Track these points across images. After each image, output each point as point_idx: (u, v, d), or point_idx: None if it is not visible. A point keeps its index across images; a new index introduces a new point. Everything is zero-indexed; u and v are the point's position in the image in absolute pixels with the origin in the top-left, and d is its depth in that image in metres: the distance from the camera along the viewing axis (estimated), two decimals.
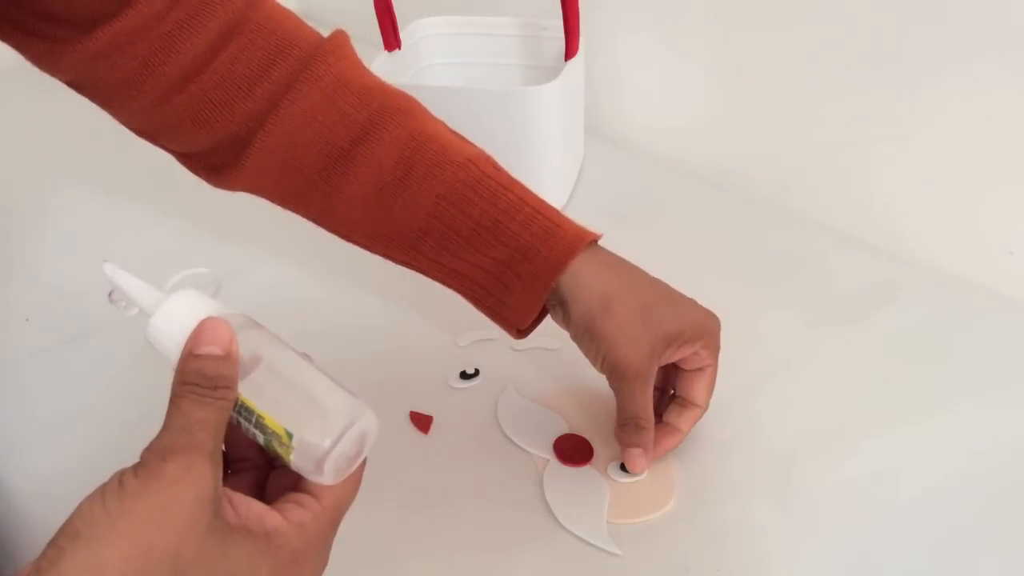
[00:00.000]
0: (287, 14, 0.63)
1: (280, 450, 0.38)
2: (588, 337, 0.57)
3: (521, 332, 0.61)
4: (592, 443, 0.62)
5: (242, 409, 0.39)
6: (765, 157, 0.92)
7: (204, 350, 0.38)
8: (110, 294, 0.42)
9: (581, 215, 0.90)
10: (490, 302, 0.60)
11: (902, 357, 0.70)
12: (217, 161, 0.61)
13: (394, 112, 0.60)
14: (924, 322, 0.73)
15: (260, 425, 0.39)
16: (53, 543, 0.35)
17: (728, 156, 0.95)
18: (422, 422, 0.65)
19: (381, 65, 0.88)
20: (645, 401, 0.57)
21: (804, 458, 0.61)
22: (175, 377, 0.38)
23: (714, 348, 0.59)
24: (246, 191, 0.63)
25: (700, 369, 0.59)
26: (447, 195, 0.59)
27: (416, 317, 0.73)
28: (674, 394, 0.61)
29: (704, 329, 0.58)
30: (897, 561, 0.54)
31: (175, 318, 0.39)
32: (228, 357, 0.38)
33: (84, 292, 0.79)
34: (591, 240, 0.59)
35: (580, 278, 0.57)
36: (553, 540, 0.56)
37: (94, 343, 0.74)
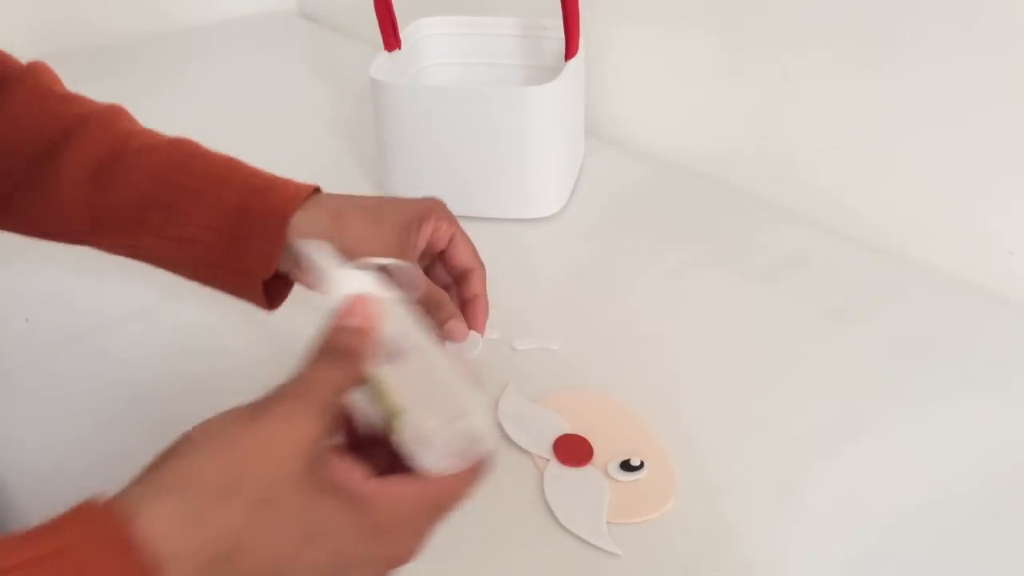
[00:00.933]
0: None
1: (394, 426, 0.40)
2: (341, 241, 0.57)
3: (271, 299, 0.61)
4: (592, 443, 0.62)
5: (370, 385, 0.41)
6: (765, 157, 0.92)
7: (347, 322, 0.41)
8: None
9: (581, 215, 0.91)
10: (228, 261, 0.59)
11: (902, 357, 0.70)
12: None
13: (102, 112, 0.61)
14: (924, 322, 0.73)
15: (380, 400, 0.41)
16: (173, 443, 0.39)
17: (728, 156, 0.95)
18: None
19: (381, 65, 0.88)
20: (431, 282, 0.59)
21: (804, 458, 0.61)
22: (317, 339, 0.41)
23: (449, 218, 0.61)
24: None
25: (451, 240, 0.61)
26: (166, 162, 0.59)
27: None
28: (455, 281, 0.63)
29: (429, 208, 0.60)
30: (897, 561, 0.54)
31: (345, 294, 0.43)
32: (365, 332, 0.41)
33: (84, 292, 0.79)
34: (316, 188, 0.60)
35: (308, 215, 0.58)
36: (553, 540, 0.56)
37: (94, 343, 0.74)
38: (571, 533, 0.56)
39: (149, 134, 0.62)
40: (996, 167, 0.75)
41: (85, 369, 0.72)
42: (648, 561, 0.55)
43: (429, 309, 0.58)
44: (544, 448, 0.62)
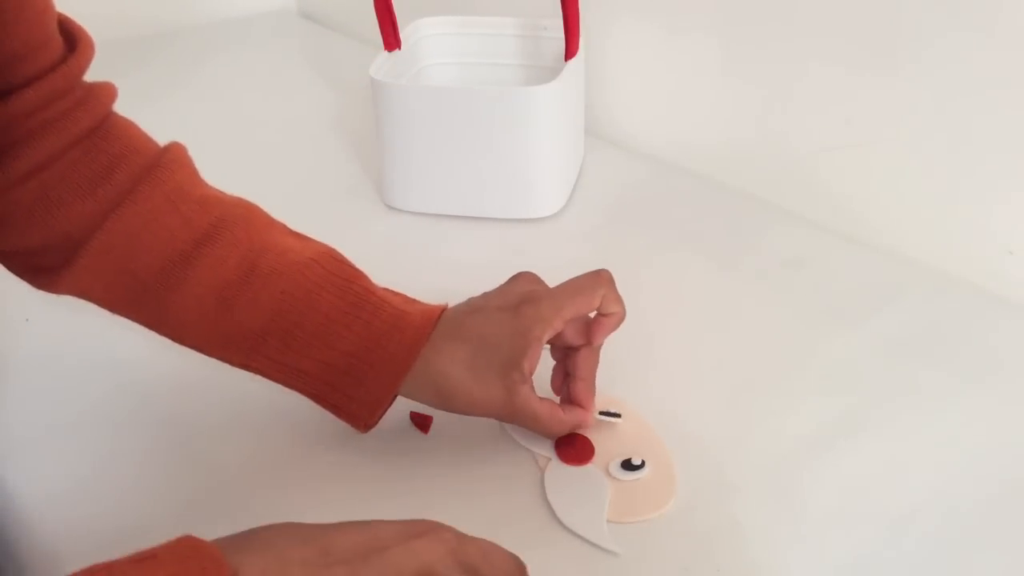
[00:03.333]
0: (132, 123, 0.62)
1: None
2: (455, 410, 0.60)
3: (369, 426, 0.61)
4: (593, 442, 0.62)
5: None
6: (765, 157, 0.92)
7: None
8: None
9: (581, 215, 0.91)
10: (337, 399, 0.60)
11: (902, 357, 0.70)
12: (45, 262, 0.59)
13: (235, 219, 0.60)
14: (924, 322, 0.73)
15: None
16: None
17: (728, 156, 0.95)
18: (422, 422, 0.65)
19: (381, 65, 0.88)
20: (541, 413, 0.60)
21: (804, 458, 0.61)
22: None
23: (542, 324, 0.59)
24: (72, 294, 0.61)
25: (560, 335, 0.61)
26: (292, 292, 0.59)
27: None
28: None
29: (523, 332, 0.59)
30: (897, 561, 0.54)
31: None
32: None
33: None
34: (439, 314, 0.60)
35: (415, 385, 0.59)
36: (554, 539, 0.56)
37: (95, 344, 0.74)
38: (571, 532, 0.56)
39: (280, 252, 0.60)
40: (996, 167, 0.75)
41: (85, 369, 0.72)
42: (648, 561, 0.55)
43: (545, 433, 0.62)
44: (545, 447, 0.62)
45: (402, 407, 0.66)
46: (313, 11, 1.49)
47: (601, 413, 0.63)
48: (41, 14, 0.53)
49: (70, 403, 0.69)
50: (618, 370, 0.69)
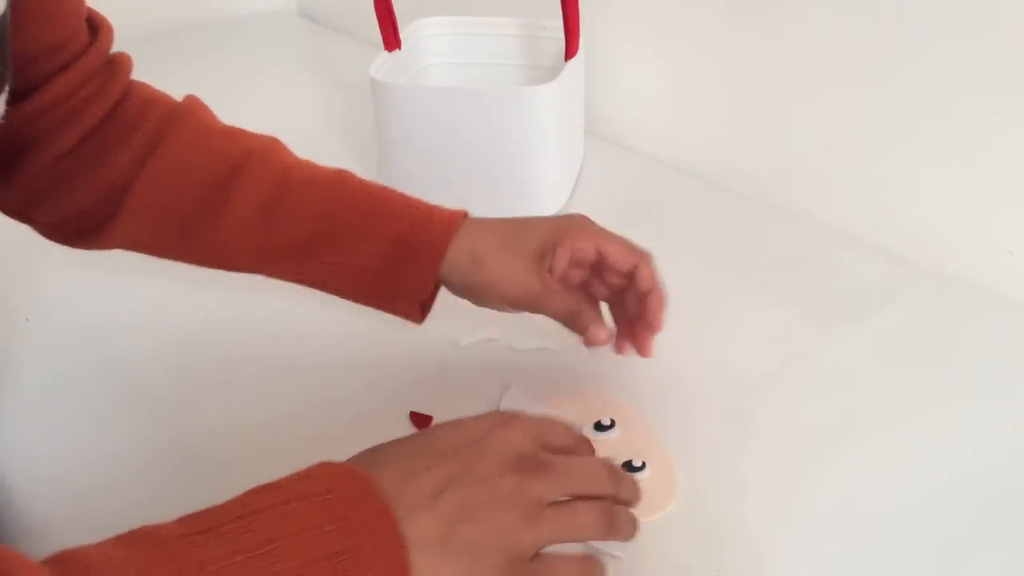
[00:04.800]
0: (146, 84, 0.69)
1: None
2: (481, 293, 0.63)
3: (423, 310, 0.65)
4: (594, 444, 0.62)
5: None
6: (765, 157, 0.92)
7: None
8: None
9: None
10: (387, 287, 0.63)
11: (902, 357, 0.70)
12: (93, 220, 0.64)
13: (262, 146, 0.66)
14: (924, 322, 0.73)
15: None
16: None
17: (728, 156, 0.95)
18: (422, 422, 0.65)
19: (381, 65, 0.88)
20: (561, 299, 0.62)
21: (804, 458, 0.61)
22: None
23: (588, 233, 0.63)
24: (120, 246, 0.66)
25: (599, 253, 0.63)
26: (330, 194, 0.64)
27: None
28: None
29: (565, 230, 0.63)
30: (897, 561, 0.54)
31: None
32: None
33: (84, 292, 0.79)
34: (464, 215, 0.64)
35: (451, 254, 0.62)
36: None
37: (95, 344, 0.74)
38: None
39: (309, 167, 0.66)
40: (996, 167, 0.75)
41: (85, 369, 0.72)
42: (649, 561, 0.55)
43: (568, 321, 0.63)
44: None
45: (402, 407, 0.66)
46: (313, 11, 1.48)
47: (595, 427, 0.63)
48: (77, 7, 0.61)
49: (70, 403, 0.69)
50: (618, 370, 0.69)
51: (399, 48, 0.91)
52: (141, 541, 0.38)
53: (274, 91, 1.22)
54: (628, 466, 0.60)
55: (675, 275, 0.81)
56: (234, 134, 0.67)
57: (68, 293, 0.79)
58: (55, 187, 0.62)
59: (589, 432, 0.63)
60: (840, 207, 0.86)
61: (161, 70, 1.29)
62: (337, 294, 0.65)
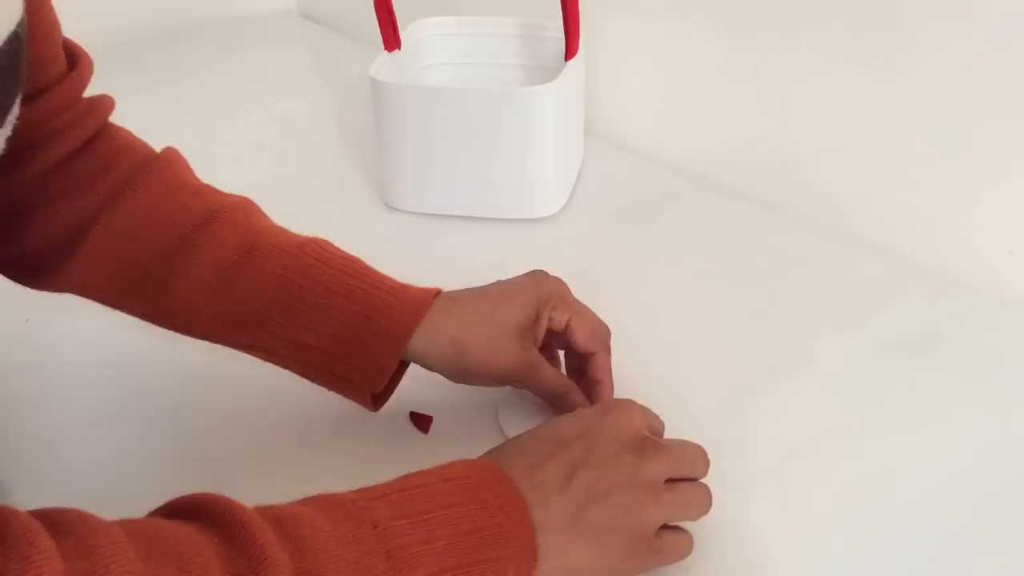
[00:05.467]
0: (128, 131, 0.65)
1: None
2: (467, 376, 0.61)
3: (377, 400, 0.62)
4: None
5: None
6: (765, 157, 0.92)
7: None
8: None
9: (581, 215, 0.91)
10: (343, 371, 0.60)
11: (902, 357, 0.70)
12: (46, 261, 0.61)
13: (233, 206, 0.62)
14: (924, 322, 0.73)
15: None
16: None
17: (728, 156, 0.95)
18: (422, 422, 0.65)
19: (381, 65, 0.88)
20: (550, 376, 0.62)
21: (804, 458, 0.61)
22: None
23: (563, 304, 0.63)
24: (73, 290, 0.63)
25: (567, 327, 0.62)
26: (293, 267, 0.60)
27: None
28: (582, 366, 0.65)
29: (541, 298, 0.62)
30: (897, 561, 0.54)
31: None
32: None
33: None
34: (436, 293, 0.61)
35: (426, 339, 0.59)
36: None
37: (95, 344, 0.74)
38: None
39: (279, 233, 0.62)
40: (996, 167, 0.75)
41: (85, 369, 0.72)
42: None
43: (553, 401, 0.62)
44: None
45: (402, 407, 0.66)
46: (313, 11, 1.49)
47: None
48: (54, 29, 0.58)
49: (70, 403, 0.69)
50: (618, 370, 0.69)
51: (399, 48, 0.91)
52: (325, 502, 0.44)
53: (274, 91, 1.22)
54: None
55: (675, 275, 0.81)
56: (206, 191, 0.63)
57: (68, 294, 0.79)
58: (10, 219, 0.59)
59: None
60: (841, 207, 0.86)
61: (162, 70, 1.29)
62: (291, 370, 0.62)
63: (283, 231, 0.63)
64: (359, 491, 0.46)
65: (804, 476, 0.60)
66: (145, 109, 1.15)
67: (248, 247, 0.60)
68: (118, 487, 0.62)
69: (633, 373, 0.69)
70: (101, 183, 0.60)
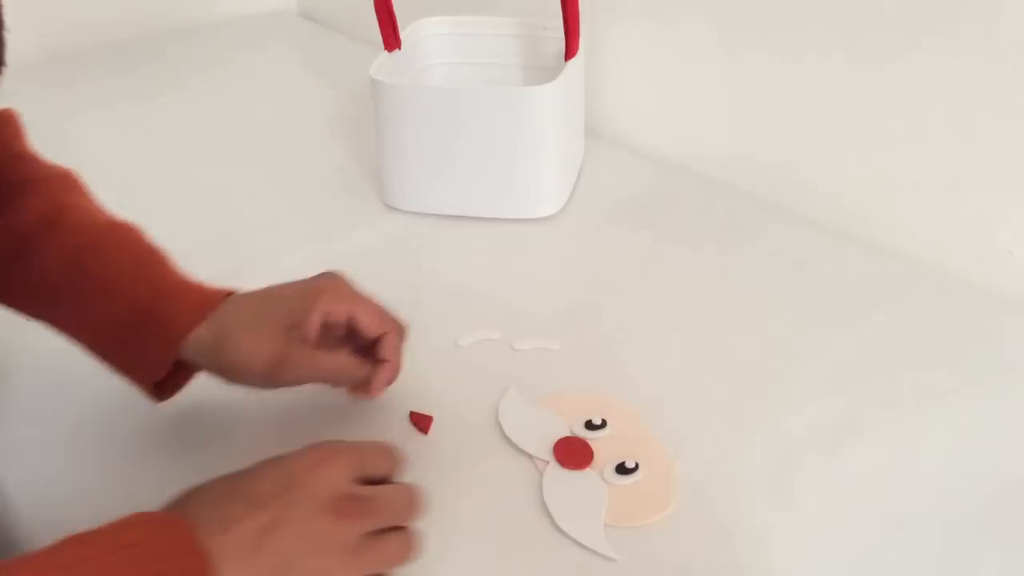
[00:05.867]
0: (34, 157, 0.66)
1: None
2: (229, 373, 0.60)
3: (160, 392, 0.62)
4: (592, 446, 0.62)
5: None
6: (765, 157, 0.92)
7: None
8: None
9: (581, 215, 0.91)
10: (124, 356, 0.61)
11: (902, 357, 0.70)
12: None
13: (48, 179, 0.62)
14: (924, 322, 0.73)
15: None
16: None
17: (728, 155, 0.95)
18: (422, 422, 0.65)
19: (381, 65, 0.88)
20: (325, 364, 0.60)
21: (804, 458, 0.61)
22: None
23: (341, 297, 0.61)
24: None
25: (350, 318, 0.61)
26: (89, 247, 0.60)
27: (416, 317, 0.73)
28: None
29: (311, 293, 0.61)
30: (897, 561, 0.54)
31: None
32: None
33: None
34: (227, 294, 0.61)
35: (198, 333, 0.59)
36: (551, 543, 0.56)
37: None
38: (569, 537, 0.56)
39: (87, 211, 0.62)
40: (996, 167, 0.75)
41: (85, 370, 0.72)
42: (648, 561, 0.55)
43: (331, 384, 0.62)
44: (544, 450, 0.62)
45: (402, 407, 0.66)
46: (313, 11, 1.49)
47: (586, 426, 0.63)
48: None
49: (70, 404, 0.69)
50: (618, 370, 0.69)
51: (399, 48, 0.91)
52: None
53: (274, 91, 1.22)
54: (622, 468, 0.60)
55: (675, 275, 0.81)
56: (27, 160, 0.63)
57: None
58: None
59: (581, 431, 0.63)
60: (840, 207, 0.86)
61: (162, 70, 1.29)
62: (85, 348, 0.62)
63: (95, 211, 0.63)
64: (14, 565, 0.41)
65: (804, 476, 0.60)
66: (145, 109, 1.15)
67: (51, 222, 0.60)
68: (118, 487, 0.62)
69: (633, 373, 0.69)
70: None
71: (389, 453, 0.51)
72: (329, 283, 0.62)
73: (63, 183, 0.63)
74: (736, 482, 0.60)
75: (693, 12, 0.92)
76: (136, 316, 0.59)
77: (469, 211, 0.89)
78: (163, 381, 0.62)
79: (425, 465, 0.62)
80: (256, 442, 0.65)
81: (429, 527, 0.57)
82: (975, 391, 0.66)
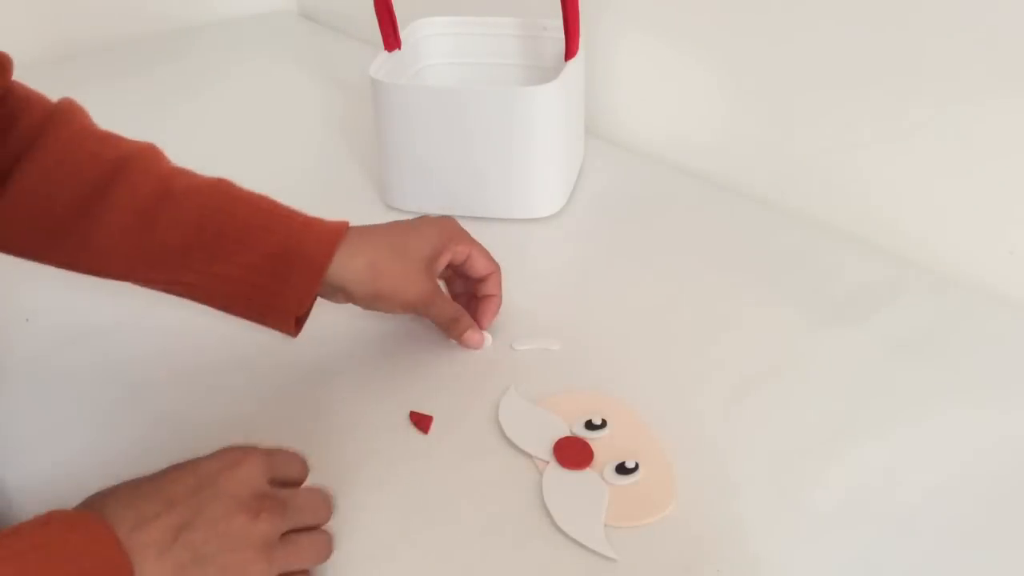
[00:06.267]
0: (22, 84, 0.67)
1: None
2: (378, 300, 0.66)
3: (298, 324, 0.66)
4: (593, 446, 0.62)
5: None
6: (765, 157, 0.92)
7: None
8: None
9: (581, 215, 0.91)
10: (264, 298, 0.64)
11: (902, 357, 0.70)
12: None
13: (142, 152, 0.65)
14: (924, 322, 0.73)
15: None
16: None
17: (728, 156, 0.95)
18: (422, 422, 0.65)
19: (381, 65, 0.88)
20: (449, 305, 0.69)
21: (804, 458, 0.61)
22: None
23: (464, 239, 0.71)
24: None
25: (468, 257, 0.70)
26: (209, 205, 0.63)
27: (416, 317, 0.74)
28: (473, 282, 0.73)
29: (448, 235, 0.70)
30: (897, 561, 0.54)
31: None
32: None
33: (84, 292, 0.79)
34: (347, 225, 0.66)
35: (345, 262, 0.64)
36: (551, 543, 0.56)
37: (94, 343, 0.74)
38: (569, 537, 0.56)
39: (190, 175, 0.65)
40: (996, 167, 0.75)
41: (85, 369, 0.72)
42: (649, 562, 0.55)
43: (449, 325, 0.69)
44: (544, 450, 0.62)
45: (402, 407, 0.66)
46: (313, 11, 1.49)
47: (586, 426, 0.63)
48: None
49: (70, 403, 0.69)
50: (618, 370, 0.69)
51: (399, 48, 0.91)
52: None
53: (274, 91, 1.22)
54: (621, 468, 0.60)
55: (675, 275, 0.81)
56: (111, 138, 0.66)
57: (68, 293, 0.79)
58: None
59: (581, 431, 0.63)
60: (840, 207, 0.86)
61: (162, 70, 1.29)
62: (211, 304, 0.66)
63: (192, 173, 0.65)
64: None
65: (804, 476, 0.60)
66: (145, 109, 1.15)
67: (164, 190, 0.63)
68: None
69: (633, 373, 0.69)
70: (9, 137, 0.62)
71: (299, 458, 0.53)
72: (454, 225, 0.71)
73: (152, 154, 0.66)
74: (736, 482, 0.60)
75: (694, 12, 0.92)
76: (273, 259, 0.63)
77: (469, 211, 0.89)
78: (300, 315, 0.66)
79: (425, 465, 0.62)
80: (258, 440, 0.65)
81: (430, 527, 0.58)
82: (975, 391, 0.66)
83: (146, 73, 1.27)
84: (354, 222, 0.88)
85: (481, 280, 0.71)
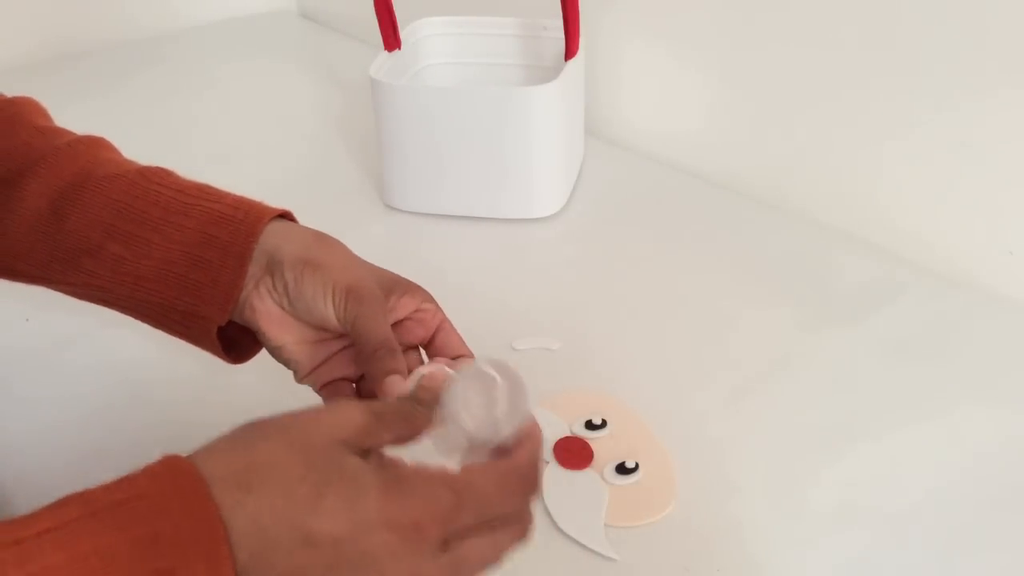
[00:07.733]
0: None
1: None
2: (310, 270, 0.52)
3: (231, 356, 0.58)
4: (593, 446, 0.62)
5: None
6: (765, 157, 0.92)
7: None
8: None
9: (581, 215, 0.91)
10: (184, 301, 0.54)
11: (902, 357, 0.70)
12: None
13: (77, 142, 0.58)
14: (924, 322, 0.73)
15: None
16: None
17: (728, 156, 0.95)
18: None
19: (381, 65, 0.88)
20: (386, 327, 0.52)
21: (804, 458, 0.61)
22: None
23: (436, 304, 0.56)
24: None
25: (440, 327, 0.56)
26: (130, 191, 0.55)
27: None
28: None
29: (414, 285, 0.56)
30: (897, 561, 0.54)
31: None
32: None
33: None
34: (283, 212, 0.56)
35: (280, 235, 0.54)
36: (551, 543, 0.56)
37: (94, 344, 0.74)
38: (569, 537, 0.56)
39: (120, 163, 0.57)
40: (996, 167, 0.75)
41: (84, 369, 0.72)
42: (648, 562, 0.55)
43: (375, 351, 0.52)
44: (544, 450, 0.62)
45: None
46: (313, 11, 1.48)
47: (586, 426, 0.63)
48: None
49: (70, 403, 0.69)
50: (618, 370, 0.69)
51: (399, 48, 0.91)
52: None
53: (274, 91, 1.22)
54: (622, 468, 0.60)
55: (675, 275, 0.81)
56: (52, 132, 0.59)
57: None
58: None
59: (581, 431, 0.63)
60: (840, 207, 0.86)
61: (162, 71, 1.29)
62: (131, 315, 0.57)
63: (127, 162, 0.58)
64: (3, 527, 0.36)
65: (804, 476, 0.60)
66: (146, 109, 1.15)
67: (84, 176, 0.55)
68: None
69: (633, 372, 0.69)
70: None
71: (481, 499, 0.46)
72: (420, 288, 0.57)
73: (91, 144, 0.59)
74: (736, 482, 0.60)
75: (693, 13, 0.92)
76: (193, 250, 0.54)
77: (469, 211, 0.89)
78: (236, 339, 0.57)
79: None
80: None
81: None
82: (975, 391, 0.66)
83: (146, 73, 1.27)
84: (354, 222, 0.88)
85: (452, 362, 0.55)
